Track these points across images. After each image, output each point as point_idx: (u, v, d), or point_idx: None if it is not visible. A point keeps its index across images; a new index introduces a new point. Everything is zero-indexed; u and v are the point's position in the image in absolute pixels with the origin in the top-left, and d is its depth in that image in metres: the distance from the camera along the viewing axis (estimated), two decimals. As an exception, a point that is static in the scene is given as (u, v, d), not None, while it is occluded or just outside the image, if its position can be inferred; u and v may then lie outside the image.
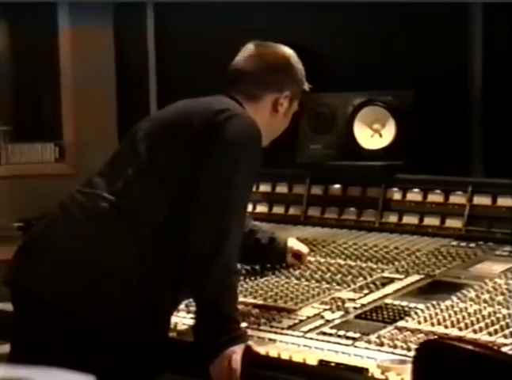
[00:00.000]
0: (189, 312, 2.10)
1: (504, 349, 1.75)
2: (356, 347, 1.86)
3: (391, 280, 2.23)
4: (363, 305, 2.08)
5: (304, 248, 2.44)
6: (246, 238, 2.23)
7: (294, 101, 2.17)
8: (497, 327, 1.86)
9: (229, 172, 1.92)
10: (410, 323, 1.94)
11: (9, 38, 3.78)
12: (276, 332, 1.97)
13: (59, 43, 3.68)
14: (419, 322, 1.94)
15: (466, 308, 1.98)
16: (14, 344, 2.00)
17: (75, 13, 3.64)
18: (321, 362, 1.78)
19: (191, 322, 2.00)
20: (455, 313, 1.96)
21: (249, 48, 2.15)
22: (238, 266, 2.06)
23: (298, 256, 2.42)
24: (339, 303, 2.10)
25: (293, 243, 2.44)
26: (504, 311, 1.93)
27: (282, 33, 3.06)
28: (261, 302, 2.16)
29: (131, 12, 3.66)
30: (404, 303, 2.06)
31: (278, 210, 2.90)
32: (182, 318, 2.08)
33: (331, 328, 1.97)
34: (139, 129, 2.08)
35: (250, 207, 2.61)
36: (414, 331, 1.90)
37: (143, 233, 1.92)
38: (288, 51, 2.16)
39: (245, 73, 2.11)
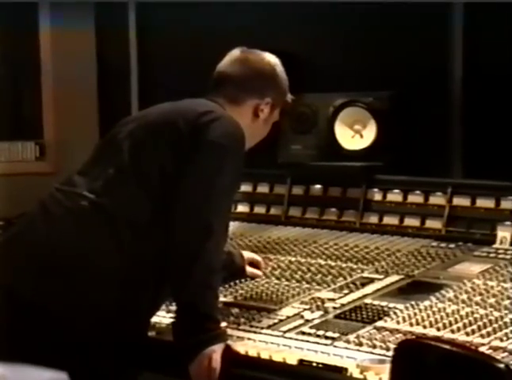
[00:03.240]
0: (168, 311, 2.10)
1: (481, 349, 1.76)
2: (335, 346, 1.87)
3: (371, 280, 2.25)
4: (342, 305, 2.09)
5: (257, 256, 2.42)
6: None
7: (275, 109, 2.18)
8: (474, 327, 1.87)
9: (212, 173, 1.92)
10: (389, 323, 1.95)
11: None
12: (255, 332, 1.98)
13: (40, 42, 3.67)
14: (398, 322, 1.95)
15: (444, 308, 1.99)
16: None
17: (56, 12, 3.63)
18: (300, 361, 1.79)
19: (170, 321, 2.00)
20: (433, 313, 1.97)
21: (234, 53, 2.16)
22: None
23: (255, 265, 2.39)
24: (319, 303, 2.11)
25: (246, 254, 2.40)
26: (481, 311, 1.95)
27: (264, 32, 3.09)
28: (241, 302, 2.17)
29: (113, 11, 3.65)
30: (383, 303, 2.08)
31: (259, 210, 2.90)
32: (162, 317, 2.08)
33: (311, 327, 1.97)
34: (121, 129, 2.08)
35: (231, 207, 2.61)
36: (392, 331, 1.91)
37: (123, 232, 1.92)
38: (273, 59, 2.18)
39: (229, 76, 2.12)
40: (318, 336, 1.92)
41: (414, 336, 1.85)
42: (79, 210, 1.95)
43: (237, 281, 2.32)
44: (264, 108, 2.14)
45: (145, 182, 1.96)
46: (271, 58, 2.17)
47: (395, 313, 2.00)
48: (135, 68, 3.63)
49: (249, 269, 2.37)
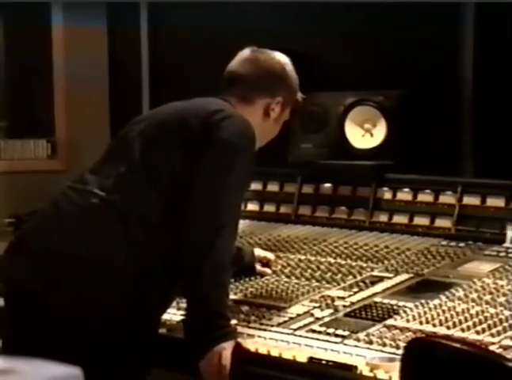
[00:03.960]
0: (179, 308, 2.11)
1: (491, 348, 1.76)
2: (345, 344, 1.87)
3: (381, 279, 2.25)
4: (352, 304, 2.10)
5: (270, 255, 2.44)
6: None
7: (286, 108, 2.19)
8: (484, 326, 1.87)
9: (223, 171, 1.93)
10: (398, 321, 1.96)
11: (3, 36, 3.78)
12: (265, 330, 1.98)
13: (53, 40, 3.69)
14: (408, 320, 1.95)
15: (454, 307, 2.00)
16: (5, 339, 2.00)
17: (69, 11, 3.64)
18: (310, 359, 1.79)
19: (181, 318, 2.01)
20: (443, 311, 1.97)
21: (245, 53, 2.17)
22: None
23: (265, 264, 2.40)
24: (329, 301, 2.12)
25: (258, 251, 2.43)
26: (492, 310, 1.95)
27: (275, 32, 3.09)
28: (251, 300, 2.18)
29: (125, 10, 3.66)
30: (393, 302, 2.08)
31: (269, 208, 2.91)
32: (172, 315, 2.09)
33: (321, 325, 1.98)
34: (133, 128, 2.09)
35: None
36: (402, 329, 1.91)
37: (134, 229, 1.93)
38: (283, 58, 2.18)
39: (239, 76, 2.13)
40: (328, 334, 1.93)
41: (424, 335, 1.86)
42: (90, 207, 1.96)
43: (247, 279, 2.33)
44: (275, 107, 2.15)
45: (156, 180, 1.97)
46: (281, 58, 2.18)
47: (404, 311, 2.00)
48: (146, 66, 3.64)
49: (259, 267, 2.38)
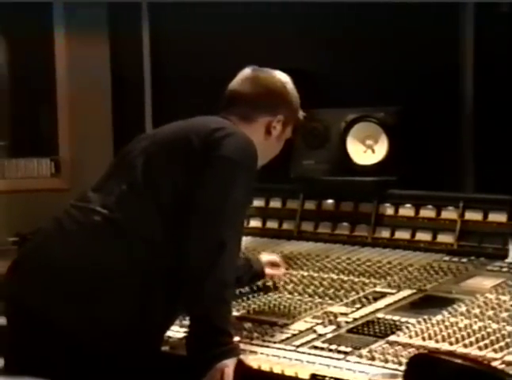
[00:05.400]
0: (181, 325, 2.11)
1: (494, 363, 1.76)
2: (347, 361, 1.87)
3: (383, 295, 2.25)
4: (355, 320, 2.10)
5: (276, 257, 2.47)
6: None
7: (287, 126, 2.20)
8: (487, 341, 1.87)
9: (225, 187, 1.94)
10: (401, 337, 1.96)
11: (6, 52, 3.81)
12: (268, 346, 1.98)
13: (55, 56, 3.71)
14: (410, 336, 1.95)
15: (457, 322, 2.00)
16: (8, 359, 2.00)
17: (71, 23, 3.67)
18: (313, 376, 1.79)
19: (184, 335, 2.01)
20: (446, 327, 1.97)
21: (245, 72, 2.19)
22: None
23: (274, 266, 2.43)
24: (331, 317, 2.12)
25: (265, 257, 2.45)
26: (494, 326, 1.95)
27: (275, 49, 3.11)
28: (253, 316, 2.18)
29: (127, 18, 3.67)
30: (396, 318, 2.08)
31: (272, 225, 2.92)
32: (175, 332, 2.09)
33: (323, 342, 1.98)
34: (135, 146, 2.11)
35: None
36: (405, 345, 1.91)
37: (135, 247, 1.93)
38: (284, 77, 2.20)
39: (240, 95, 2.15)
40: (330, 350, 1.93)
41: (426, 351, 1.85)
42: (92, 225, 1.97)
43: (249, 295, 2.34)
44: (276, 126, 2.17)
45: (157, 197, 1.97)
46: (281, 76, 2.20)
47: (407, 327, 2.00)
48: (148, 80, 3.66)
49: (268, 271, 2.40)
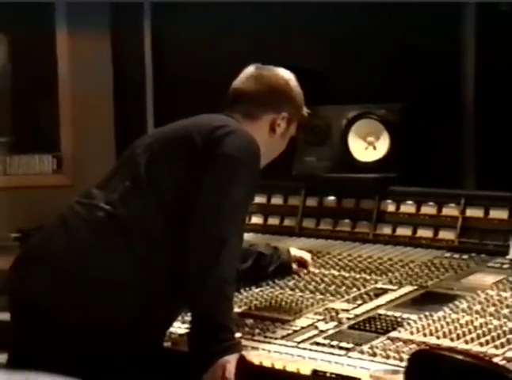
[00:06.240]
0: (183, 322, 2.12)
1: (495, 360, 1.76)
2: (349, 357, 1.87)
3: (385, 291, 2.26)
4: (356, 316, 2.10)
5: (307, 255, 2.48)
6: (248, 254, 2.30)
7: (292, 124, 2.21)
8: (488, 338, 1.87)
9: (227, 184, 1.94)
10: (402, 333, 1.96)
11: (9, 51, 3.81)
12: (270, 342, 1.99)
13: (57, 53, 3.71)
14: (412, 333, 1.96)
15: (458, 319, 2.00)
16: (12, 354, 2.01)
17: (73, 22, 3.67)
18: (314, 372, 1.80)
19: (185, 332, 2.02)
20: (447, 323, 1.98)
21: (249, 70, 2.20)
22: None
23: (301, 263, 2.45)
24: (333, 314, 2.12)
25: (295, 251, 2.48)
26: (495, 322, 1.96)
27: (278, 47, 3.12)
28: (255, 313, 2.18)
29: (128, 19, 3.68)
30: (397, 314, 2.08)
31: (273, 221, 2.92)
32: (177, 328, 2.10)
33: (325, 338, 1.99)
34: (139, 144, 2.12)
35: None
36: (406, 341, 1.91)
37: (138, 243, 1.94)
38: (287, 74, 2.20)
39: (244, 93, 2.15)
40: (332, 346, 1.93)
41: (427, 347, 1.86)
42: (95, 221, 1.97)
43: (251, 292, 2.34)
44: (280, 123, 2.17)
45: (160, 194, 1.98)
46: (285, 74, 2.20)
47: (408, 323, 2.01)
48: (150, 78, 3.67)
49: (295, 267, 2.43)
